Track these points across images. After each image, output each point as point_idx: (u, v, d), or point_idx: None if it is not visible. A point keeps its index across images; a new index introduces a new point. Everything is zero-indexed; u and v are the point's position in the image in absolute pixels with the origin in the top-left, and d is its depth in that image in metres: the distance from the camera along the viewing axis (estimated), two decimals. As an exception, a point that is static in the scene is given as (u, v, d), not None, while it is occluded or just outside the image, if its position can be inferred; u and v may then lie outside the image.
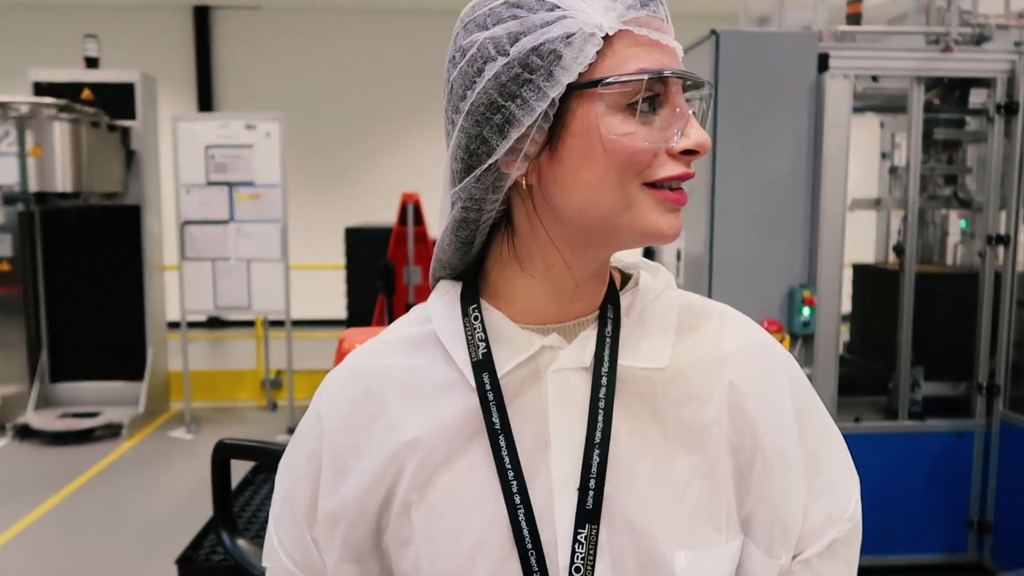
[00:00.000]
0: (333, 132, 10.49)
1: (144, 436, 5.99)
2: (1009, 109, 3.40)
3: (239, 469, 2.63)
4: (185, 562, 2.89)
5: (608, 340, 0.74)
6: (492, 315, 0.75)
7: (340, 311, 6.71)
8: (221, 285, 5.89)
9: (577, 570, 0.70)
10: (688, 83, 0.70)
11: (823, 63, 3.27)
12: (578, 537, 0.70)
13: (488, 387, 0.72)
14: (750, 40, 3.32)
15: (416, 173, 8.47)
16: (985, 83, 3.49)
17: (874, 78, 3.42)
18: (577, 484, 0.71)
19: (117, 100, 6.06)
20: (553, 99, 0.66)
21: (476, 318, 0.75)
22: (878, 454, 3.49)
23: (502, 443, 0.71)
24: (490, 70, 0.67)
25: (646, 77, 0.65)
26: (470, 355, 0.73)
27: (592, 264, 0.74)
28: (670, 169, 0.68)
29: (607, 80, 0.65)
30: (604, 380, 0.72)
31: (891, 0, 5.02)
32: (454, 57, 0.71)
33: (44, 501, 4.67)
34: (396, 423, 0.74)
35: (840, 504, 0.80)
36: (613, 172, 0.67)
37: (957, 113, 3.75)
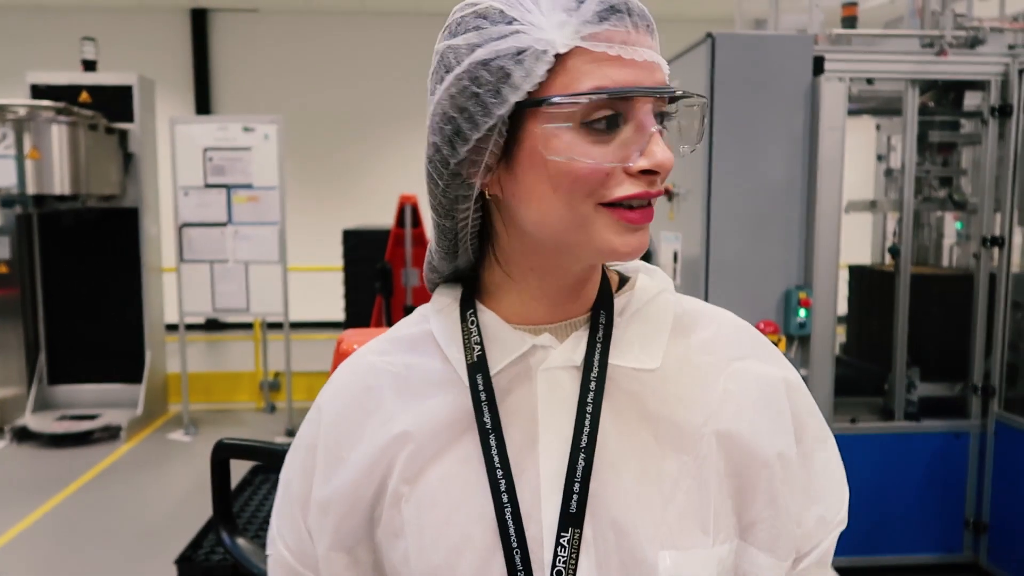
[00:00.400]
0: (331, 134, 10.50)
1: (142, 438, 5.99)
2: (1003, 112, 3.42)
3: (238, 470, 2.64)
4: (185, 562, 2.89)
5: (599, 341, 0.74)
6: (486, 316, 0.76)
7: (338, 313, 6.71)
8: (219, 287, 5.89)
9: (559, 573, 0.69)
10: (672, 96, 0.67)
11: (819, 66, 3.29)
12: (560, 540, 0.70)
13: (481, 387, 0.73)
14: (746, 43, 3.33)
15: (414, 175, 8.39)
16: (979, 86, 3.51)
17: (869, 81, 3.44)
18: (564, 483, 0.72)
19: (115, 103, 6.06)
20: (502, 115, 0.65)
21: (472, 322, 0.76)
22: (874, 454, 3.50)
23: (492, 441, 0.72)
24: (447, 80, 0.67)
25: (592, 97, 0.63)
26: (466, 357, 0.74)
27: (569, 272, 0.73)
28: (627, 189, 0.65)
29: (553, 100, 0.63)
30: (593, 382, 0.72)
31: (886, 3, 5.05)
32: (433, 61, 0.71)
33: (42, 504, 4.67)
34: (390, 417, 0.75)
35: (832, 508, 0.80)
36: (562, 192, 0.66)
37: (952, 116, 3.78)
